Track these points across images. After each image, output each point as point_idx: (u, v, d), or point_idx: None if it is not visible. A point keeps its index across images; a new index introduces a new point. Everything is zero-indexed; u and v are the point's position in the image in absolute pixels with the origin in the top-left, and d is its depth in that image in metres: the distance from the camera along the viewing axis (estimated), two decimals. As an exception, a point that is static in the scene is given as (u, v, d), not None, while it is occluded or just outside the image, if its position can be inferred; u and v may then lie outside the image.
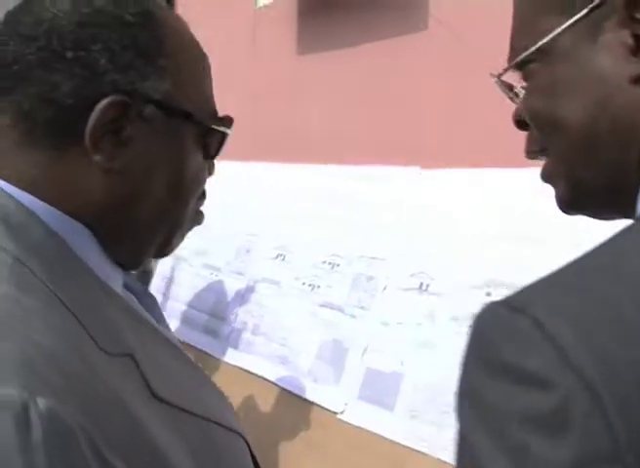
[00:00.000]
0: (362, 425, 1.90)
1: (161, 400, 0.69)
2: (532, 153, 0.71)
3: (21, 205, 0.68)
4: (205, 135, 0.77)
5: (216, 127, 0.77)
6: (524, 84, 0.70)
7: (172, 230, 0.80)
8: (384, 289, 2.06)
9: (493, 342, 0.52)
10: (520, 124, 0.72)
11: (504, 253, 1.89)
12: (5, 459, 0.49)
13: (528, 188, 1.89)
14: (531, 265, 1.84)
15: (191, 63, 0.75)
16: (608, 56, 0.61)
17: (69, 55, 0.68)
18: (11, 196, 0.68)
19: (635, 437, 0.46)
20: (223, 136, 0.78)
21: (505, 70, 0.71)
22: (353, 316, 2.12)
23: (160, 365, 0.72)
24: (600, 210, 0.69)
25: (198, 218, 0.83)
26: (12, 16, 0.71)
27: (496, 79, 0.73)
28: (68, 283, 0.68)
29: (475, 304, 1.89)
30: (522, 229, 1.87)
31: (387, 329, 2.00)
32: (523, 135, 2.07)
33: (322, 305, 2.25)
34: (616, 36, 0.61)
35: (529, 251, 1.85)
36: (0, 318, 0.59)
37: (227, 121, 0.79)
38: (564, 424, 0.47)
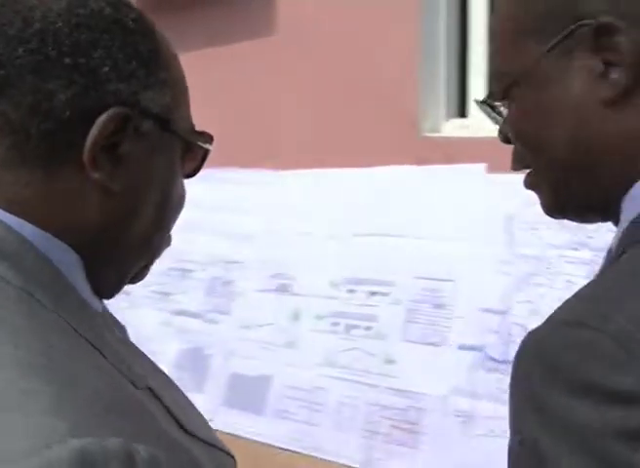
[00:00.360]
0: (232, 431, 1.89)
1: (191, 435, 0.66)
2: (517, 167, 0.75)
3: (12, 230, 0.61)
4: (188, 151, 0.72)
5: (202, 144, 0.72)
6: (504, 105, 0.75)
7: (153, 256, 0.74)
8: (243, 292, 2.06)
9: (573, 363, 0.55)
10: (505, 140, 0.76)
11: (363, 250, 1.95)
12: None
13: (380, 187, 1.97)
14: (390, 261, 1.91)
15: (181, 77, 0.70)
16: (581, 81, 0.67)
17: (67, 60, 0.61)
18: (0, 221, 0.61)
19: None
20: (206, 153, 0.73)
21: (489, 97, 0.75)
22: (213, 321, 2.11)
23: (169, 395, 0.68)
24: (582, 215, 0.75)
25: (169, 241, 0.76)
26: None
27: (479, 103, 0.78)
28: (75, 313, 0.62)
29: (338, 302, 1.93)
30: (378, 226, 1.93)
31: (250, 332, 2.01)
32: (375, 137, 2.10)
33: (176, 313, 2.22)
34: (587, 63, 0.66)
35: (386, 247, 1.91)
36: (48, 363, 0.54)
37: (209, 137, 0.73)
38: None
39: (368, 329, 1.89)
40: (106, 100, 0.62)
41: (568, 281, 1.69)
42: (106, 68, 0.62)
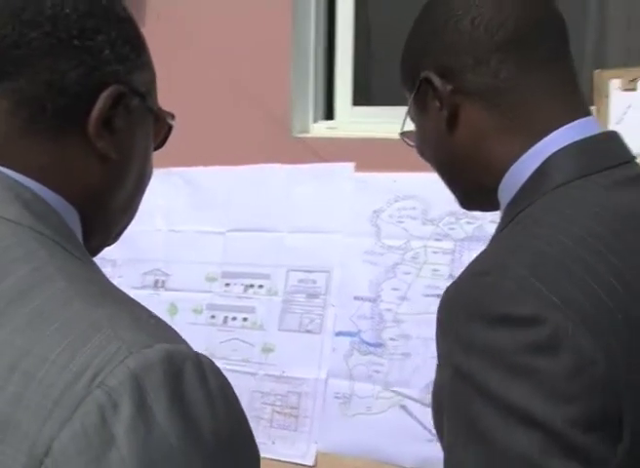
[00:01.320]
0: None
1: None
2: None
3: (36, 194, 0.66)
4: (158, 127, 0.80)
5: (170, 121, 0.81)
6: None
7: (129, 218, 0.81)
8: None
9: (485, 302, 0.71)
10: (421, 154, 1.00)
11: (238, 245, 2.00)
12: (194, 405, 0.54)
13: (253, 185, 2.04)
14: (264, 255, 1.98)
15: (151, 60, 0.78)
16: (433, 116, 0.90)
17: (76, 43, 0.68)
18: (24, 185, 0.66)
19: (602, 344, 0.69)
20: (170, 128, 0.82)
21: (402, 132, 1.01)
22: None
23: None
24: (481, 206, 0.98)
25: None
26: (4, 2, 0.68)
27: (400, 136, 1.02)
28: (91, 263, 0.69)
29: (214, 295, 1.97)
30: (252, 222, 1.99)
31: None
32: (248, 137, 2.18)
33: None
34: (432, 105, 0.90)
35: (261, 241, 1.98)
36: (104, 290, 0.61)
37: (172, 115, 0.82)
38: (557, 345, 0.68)
39: (245, 320, 1.94)
40: (107, 79, 0.69)
41: (433, 269, 1.84)
42: (107, 51, 0.70)
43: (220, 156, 1.96)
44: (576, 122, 0.84)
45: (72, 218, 0.70)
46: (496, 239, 0.83)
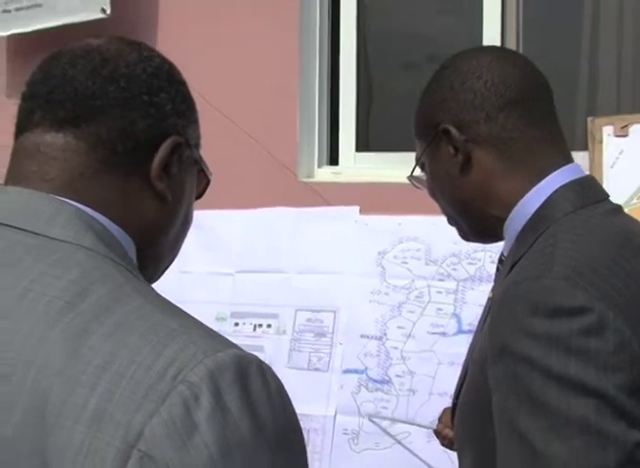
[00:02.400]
0: None
1: None
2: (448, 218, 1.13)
3: (104, 226, 0.74)
4: (199, 178, 0.87)
5: (209, 175, 0.88)
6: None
7: (175, 255, 0.88)
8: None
9: (543, 298, 0.86)
10: (432, 195, 1.12)
11: (246, 286, 2.04)
12: (259, 402, 0.61)
13: (261, 227, 2.08)
14: (272, 295, 2.02)
15: (198, 119, 0.87)
16: (447, 161, 1.04)
17: (145, 98, 0.77)
18: (95, 218, 0.73)
19: (633, 329, 0.87)
20: (209, 181, 0.89)
21: (411, 175, 1.14)
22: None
23: None
24: (482, 238, 1.13)
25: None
26: (84, 59, 0.77)
27: (408, 179, 1.15)
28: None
29: (226, 335, 2.01)
30: (260, 263, 2.05)
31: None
32: (256, 181, 2.20)
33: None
34: (447, 150, 1.04)
35: (268, 282, 2.03)
36: (171, 305, 0.69)
37: (209, 170, 0.89)
38: (603, 328, 0.85)
39: None
40: (168, 130, 0.78)
41: (437, 308, 1.90)
42: (169, 106, 0.79)
43: (229, 200, 2.00)
44: (568, 165, 1.03)
45: (131, 250, 0.77)
46: (528, 256, 0.96)
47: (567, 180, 1.00)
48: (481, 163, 1.02)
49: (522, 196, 1.00)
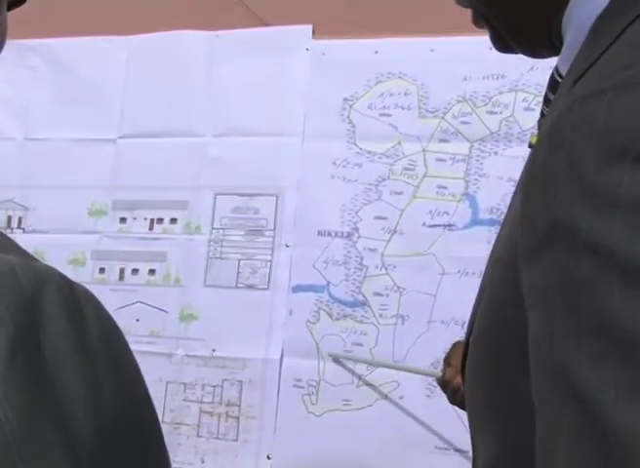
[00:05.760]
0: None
1: None
2: (479, 23, 0.84)
3: None
4: None
5: None
6: None
7: None
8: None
9: (631, 130, 0.52)
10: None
11: (129, 157, 1.42)
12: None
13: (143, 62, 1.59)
14: (171, 171, 1.54)
15: None
16: None
17: None
18: None
19: None
20: None
21: None
22: None
23: None
24: (532, 43, 0.83)
25: None
26: None
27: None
28: None
29: (106, 238, 1.50)
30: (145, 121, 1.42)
31: None
32: None
33: None
34: None
35: (161, 151, 1.47)
36: None
37: None
38: None
39: (152, 273, 1.52)
40: None
41: (438, 186, 1.43)
42: None
43: (108, 23, 1.60)
44: None
45: None
46: (608, 58, 0.65)
47: None
48: None
49: None
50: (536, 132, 0.81)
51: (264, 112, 1.50)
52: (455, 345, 1.16)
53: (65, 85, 1.59)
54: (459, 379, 1.08)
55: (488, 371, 0.69)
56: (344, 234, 1.44)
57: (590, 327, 0.51)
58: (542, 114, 0.77)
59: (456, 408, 1.14)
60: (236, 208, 1.50)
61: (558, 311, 0.54)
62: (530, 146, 0.75)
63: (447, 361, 1.15)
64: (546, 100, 0.77)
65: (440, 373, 1.17)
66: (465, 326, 1.44)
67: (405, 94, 1.47)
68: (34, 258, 0.54)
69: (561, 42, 0.74)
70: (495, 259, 0.69)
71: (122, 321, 1.37)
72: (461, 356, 0.77)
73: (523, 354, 0.59)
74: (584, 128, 0.54)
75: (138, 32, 1.61)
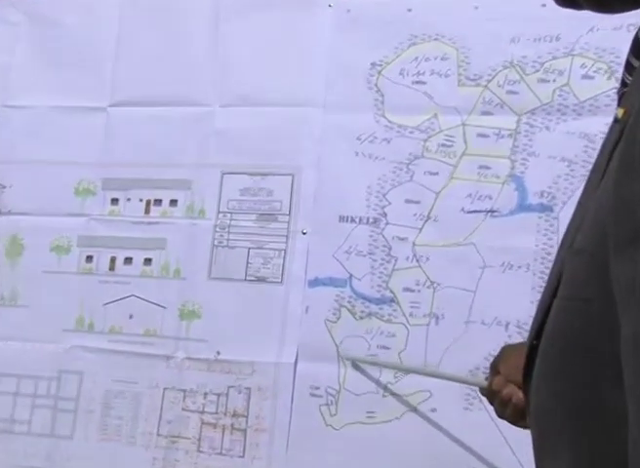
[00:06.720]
0: None
1: None
2: None
3: None
4: None
5: None
6: None
7: None
8: None
9: None
10: None
11: (122, 129, 1.34)
12: None
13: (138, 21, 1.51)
14: (170, 145, 1.44)
15: None
16: None
17: None
18: None
19: None
20: None
21: None
22: None
23: None
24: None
25: None
26: None
27: None
28: None
29: (95, 222, 1.43)
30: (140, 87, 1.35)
31: None
32: None
33: None
34: None
35: (158, 122, 1.33)
36: None
37: None
38: None
39: (148, 262, 1.43)
40: None
41: (480, 166, 1.31)
42: None
43: None
44: None
45: None
46: None
47: None
48: None
49: None
50: (615, 105, 0.71)
51: (279, 79, 1.40)
52: (504, 349, 1.04)
53: (50, 44, 1.49)
54: (508, 389, 0.98)
55: (569, 383, 0.63)
56: (370, 220, 1.34)
57: None
58: (624, 83, 0.69)
59: (498, 423, 1.02)
60: (246, 189, 1.40)
61: None
62: (615, 121, 0.66)
63: (494, 367, 1.03)
64: (629, 67, 0.68)
65: (484, 382, 1.06)
66: (510, 327, 1.30)
67: (442, 58, 1.36)
68: None
69: None
70: (575, 251, 0.65)
71: (112, 317, 1.27)
72: (523, 364, 0.71)
73: (616, 359, 0.55)
74: None
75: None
